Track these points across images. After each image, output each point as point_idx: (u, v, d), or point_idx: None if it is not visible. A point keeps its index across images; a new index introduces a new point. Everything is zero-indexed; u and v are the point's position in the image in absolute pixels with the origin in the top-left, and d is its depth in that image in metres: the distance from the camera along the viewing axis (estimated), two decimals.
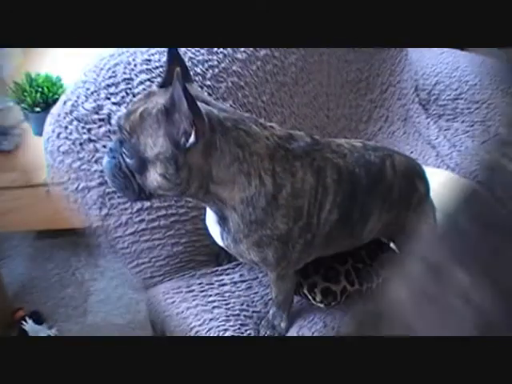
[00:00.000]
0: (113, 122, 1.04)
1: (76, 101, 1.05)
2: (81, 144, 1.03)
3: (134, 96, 1.08)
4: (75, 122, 1.03)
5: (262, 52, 1.43)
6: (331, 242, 0.93)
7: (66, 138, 1.03)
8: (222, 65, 1.29)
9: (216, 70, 1.26)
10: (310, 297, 1.00)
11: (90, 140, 1.03)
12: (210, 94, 1.21)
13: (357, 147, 0.96)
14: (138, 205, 1.04)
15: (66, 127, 1.03)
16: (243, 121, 0.79)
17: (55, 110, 1.07)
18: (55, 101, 1.38)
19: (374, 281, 1.04)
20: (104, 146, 1.03)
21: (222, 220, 0.85)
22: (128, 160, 0.76)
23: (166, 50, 1.15)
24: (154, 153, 0.74)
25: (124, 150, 0.76)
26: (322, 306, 1.00)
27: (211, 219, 0.89)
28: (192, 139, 0.71)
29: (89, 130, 1.03)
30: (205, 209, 1.08)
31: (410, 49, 2.26)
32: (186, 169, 0.75)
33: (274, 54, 1.48)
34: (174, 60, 0.81)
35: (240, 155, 0.77)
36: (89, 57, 1.15)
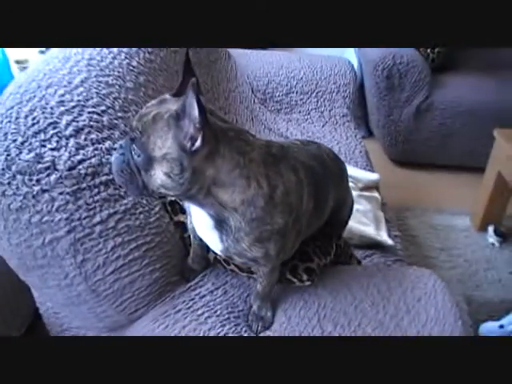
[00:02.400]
0: (60, 167, 1.01)
1: (8, 155, 0.99)
2: (34, 196, 0.98)
3: (67, 139, 1.06)
4: (19, 176, 0.98)
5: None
6: (309, 228, 1.05)
7: (15, 194, 0.97)
8: (122, 95, 1.31)
9: (120, 101, 1.28)
10: (295, 280, 1.11)
11: (43, 190, 0.98)
12: (126, 125, 1.23)
13: (298, 145, 1.10)
14: (111, 243, 1.02)
15: (10, 183, 0.97)
16: (241, 131, 0.88)
17: None
18: None
19: (331, 253, 1.19)
20: (61, 193, 0.99)
21: (219, 223, 0.92)
22: (136, 157, 0.83)
23: (75, 88, 1.18)
24: (161, 153, 0.81)
25: (134, 147, 0.83)
26: (308, 283, 1.11)
27: (205, 226, 0.94)
28: (198, 143, 0.79)
29: (38, 181, 0.98)
30: (183, 224, 1.12)
31: (235, 56, 2.46)
32: (190, 171, 0.82)
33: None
34: (189, 73, 0.88)
35: (241, 162, 0.85)
36: None
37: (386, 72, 2.73)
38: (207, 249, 1.14)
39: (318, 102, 2.34)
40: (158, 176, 0.82)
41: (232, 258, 0.99)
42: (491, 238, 2.57)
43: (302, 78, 2.36)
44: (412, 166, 3.17)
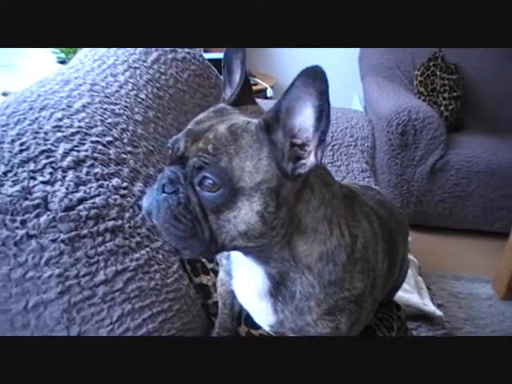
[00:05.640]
0: (54, 206, 0.76)
1: None
2: (16, 243, 0.72)
3: (64, 172, 0.81)
4: None
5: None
6: (382, 293, 0.80)
7: None
8: (130, 127, 1.08)
9: (128, 134, 1.05)
10: None
11: (29, 236, 0.72)
12: (135, 162, 1.00)
13: (359, 189, 0.87)
14: (118, 310, 0.76)
15: None
16: None
17: None
18: None
19: (394, 328, 0.94)
20: (53, 241, 0.73)
21: (277, 287, 0.66)
22: (206, 193, 0.55)
23: (76, 113, 0.95)
24: (254, 181, 0.55)
25: (206, 178, 0.55)
26: None
27: (256, 291, 0.68)
28: (312, 162, 0.55)
29: (23, 223, 0.73)
30: (205, 288, 0.86)
31: None
32: (285, 208, 0.57)
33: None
34: (247, 80, 0.66)
35: (326, 197, 0.62)
36: None
37: (401, 128, 2.56)
38: (238, 321, 0.88)
39: (333, 155, 2.13)
40: (245, 217, 0.55)
41: (285, 334, 0.73)
42: None
43: None
44: (424, 229, 2.95)
